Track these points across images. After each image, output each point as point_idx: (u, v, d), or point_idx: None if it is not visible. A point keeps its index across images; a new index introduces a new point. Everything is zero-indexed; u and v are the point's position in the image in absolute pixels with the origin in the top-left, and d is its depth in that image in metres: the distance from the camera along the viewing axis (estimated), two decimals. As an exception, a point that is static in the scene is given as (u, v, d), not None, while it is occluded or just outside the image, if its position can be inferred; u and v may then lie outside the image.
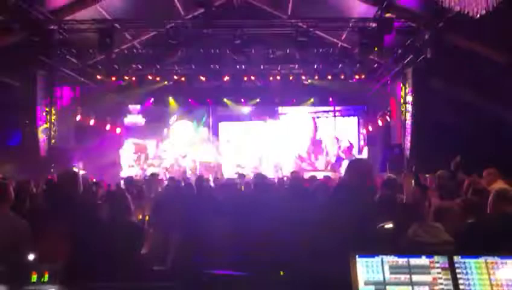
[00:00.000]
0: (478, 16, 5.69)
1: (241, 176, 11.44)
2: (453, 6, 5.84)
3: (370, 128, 16.09)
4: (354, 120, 17.12)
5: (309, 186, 5.70)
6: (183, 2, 12.17)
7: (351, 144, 16.66)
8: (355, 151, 16.59)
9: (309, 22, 11.83)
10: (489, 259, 1.96)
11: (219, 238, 3.41)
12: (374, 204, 3.14)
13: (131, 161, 16.58)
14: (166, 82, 14.81)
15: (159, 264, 3.68)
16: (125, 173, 15.11)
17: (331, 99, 16.62)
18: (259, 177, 5.60)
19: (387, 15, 10.05)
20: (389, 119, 14.57)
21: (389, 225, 2.74)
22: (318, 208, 3.08)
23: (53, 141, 12.60)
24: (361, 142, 16.73)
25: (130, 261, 3.54)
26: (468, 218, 3.23)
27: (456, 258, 1.95)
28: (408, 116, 12.66)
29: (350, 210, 2.53)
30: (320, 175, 10.41)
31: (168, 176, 13.81)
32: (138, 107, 16.95)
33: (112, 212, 3.62)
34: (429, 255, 1.95)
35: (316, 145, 16.68)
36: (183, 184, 7.41)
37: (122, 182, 9.37)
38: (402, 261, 1.96)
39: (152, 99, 16.46)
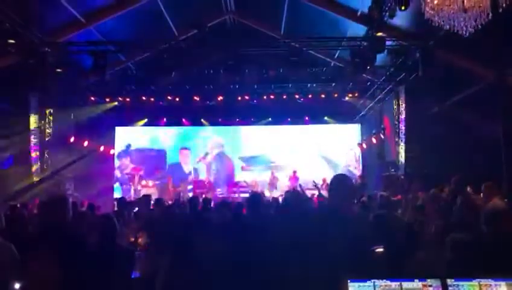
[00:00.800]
0: (467, 34, 5.75)
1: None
2: (442, 25, 5.88)
3: (364, 146, 16.12)
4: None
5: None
6: (176, 23, 12.29)
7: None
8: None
9: (302, 41, 11.95)
10: (483, 281, 1.92)
11: (211, 264, 3.34)
12: (358, 223, 2.97)
13: (125, 182, 16.48)
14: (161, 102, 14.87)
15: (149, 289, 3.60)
16: (118, 194, 15.00)
17: (326, 118, 16.66)
18: (254, 198, 5.46)
19: (379, 34, 10.15)
20: (383, 137, 14.62)
21: (380, 249, 2.69)
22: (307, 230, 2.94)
23: (45, 164, 12.52)
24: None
25: (120, 286, 3.47)
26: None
27: (449, 281, 1.91)
28: (401, 133, 12.71)
29: (332, 232, 2.46)
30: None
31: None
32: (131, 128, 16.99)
33: (101, 237, 3.56)
34: (422, 278, 1.91)
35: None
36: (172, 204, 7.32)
37: (115, 203, 9.27)
38: (395, 285, 1.92)
39: (146, 120, 16.46)
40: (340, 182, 3.07)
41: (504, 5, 4.94)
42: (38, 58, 10.39)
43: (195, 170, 17.01)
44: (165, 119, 16.64)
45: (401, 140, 12.71)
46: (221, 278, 3.25)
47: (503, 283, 1.91)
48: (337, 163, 16.63)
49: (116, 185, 16.39)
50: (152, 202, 7.66)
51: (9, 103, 11.32)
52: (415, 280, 1.92)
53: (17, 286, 3.35)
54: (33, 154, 11.89)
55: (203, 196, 11.90)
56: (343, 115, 16.30)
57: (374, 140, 15.15)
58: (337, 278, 1.89)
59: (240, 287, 3.25)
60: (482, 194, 5.52)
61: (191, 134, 17.39)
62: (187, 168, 17.07)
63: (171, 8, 11.56)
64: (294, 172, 15.69)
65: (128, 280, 3.58)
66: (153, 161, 16.90)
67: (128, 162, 16.81)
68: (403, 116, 12.68)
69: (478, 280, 1.92)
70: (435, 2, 5.67)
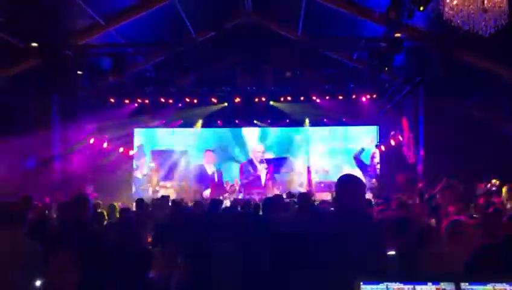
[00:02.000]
0: (487, 34, 5.68)
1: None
2: (461, 26, 5.82)
3: (383, 148, 15.97)
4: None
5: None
6: (194, 25, 12.40)
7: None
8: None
9: (319, 42, 11.92)
10: (498, 286, 1.90)
11: (225, 265, 3.38)
12: (369, 226, 2.85)
13: (144, 183, 16.66)
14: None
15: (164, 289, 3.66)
16: (137, 195, 15.17)
17: (344, 119, 16.54)
18: (270, 200, 5.45)
19: (397, 35, 10.07)
20: (401, 139, 14.46)
21: (392, 252, 2.68)
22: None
23: (67, 165, 12.75)
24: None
25: (137, 286, 3.53)
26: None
27: (463, 285, 1.89)
28: (420, 135, 12.57)
29: (341, 233, 2.40)
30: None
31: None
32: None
33: (120, 237, 3.63)
34: (435, 281, 1.91)
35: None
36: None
37: (134, 204, 9.39)
38: (407, 288, 1.92)
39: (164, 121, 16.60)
40: (347, 182, 2.95)
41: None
42: (60, 61, 10.62)
43: (219, 172, 17.04)
44: (181, 121, 16.67)
45: (420, 142, 12.56)
46: (233, 276, 3.28)
47: (518, 288, 1.89)
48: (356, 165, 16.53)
49: (135, 185, 16.61)
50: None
51: (32, 104, 11.56)
52: (428, 283, 1.91)
53: (38, 283, 3.44)
54: (55, 155, 12.13)
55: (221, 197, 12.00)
56: (361, 117, 16.17)
57: (392, 142, 14.99)
58: (349, 281, 1.90)
59: (250, 287, 3.27)
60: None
61: (220, 136, 17.38)
62: (210, 170, 17.12)
63: (189, 10, 11.66)
64: (308, 168, 15.68)
65: (144, 280, 3.64)
66: (173, 162, 17.02)
67: (147, 163, 17.00)
68: (421, 117, 12.54)
69: (493, 284, 1.90)
70: (454, 2, 5.62)
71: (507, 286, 1.90)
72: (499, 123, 9.16)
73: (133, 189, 16.38)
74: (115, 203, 7.92)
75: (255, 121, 16.51)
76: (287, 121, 16.51)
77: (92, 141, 14.19)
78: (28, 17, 9.35)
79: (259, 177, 16.63)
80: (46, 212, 7.18)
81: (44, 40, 10.13)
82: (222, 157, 17.08)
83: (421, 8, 7.74)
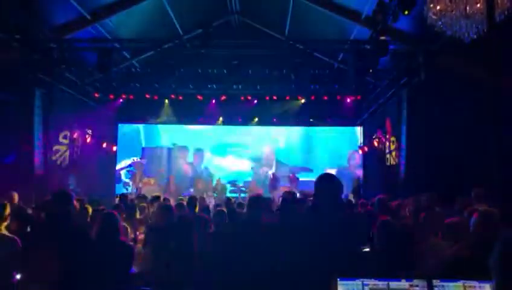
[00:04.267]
0: (469, 40, 5.80)
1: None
2: (444, 31, 5.93)
3: (366, 149, 16.14)
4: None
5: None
6: (181, 22, 12.37)
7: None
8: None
9: (306, 43, 12.00)
10: (468, 283, 1.97)
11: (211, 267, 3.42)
12: (345, 224, 2.89)
13: (126, 179, 16.60)
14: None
15: (147, 285, 3.68)
16: (120, 191, 15.08)
17: (328, 120, 16.68)
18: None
19: (382, 38, 10.19)
20: (384, 140, 14.63)
21: (366, 249, 2.74)
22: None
23: (49, 159, 12.58)
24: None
25: (119, 281, 3.54)
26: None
27: (435, 282, 1.97)
28: (403, 137, 12.72)
29: (318, 232, 2.44)
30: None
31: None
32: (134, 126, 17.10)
33: (102, 232, 3.63)
34: (409, 278, 1.97)
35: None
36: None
37: (116, 200, 9.36)
38: (382, 284, 1.97)
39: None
40: (323, 181, 2.99)
41: (501, 16, 4.99)
42: (44, 54, 10.49)
43: (206, 169, 17.06)
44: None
45: (403, 144, 12.72)
46: (219, 273, 3.31)
47: (487, 285, 1.97)
48: (340, 165, 16.72)
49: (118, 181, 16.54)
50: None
51: (15, 98, 11.38)
52: (402, 280, 1.98)
53: (18, 276, 3.43)
54: (36, 150, 11.95)
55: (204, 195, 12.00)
56: (345, 117, 16.33)
57: (375, 143, 15.16)
58: (326, 277, 1.95)
59: (231, 282, 3.31)
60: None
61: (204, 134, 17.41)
62: (199, 168, 17.14)
63: (177, 7, 11.65)
64: (293, 173, 15.79)
65: (127, 275, 3.66)
66: (158, 158, 16.99)
67: (132, 160, 16.96)
68: (404, 120, 12.68)
69: (463, 281, 1.98)
70: (438, 7, 5.73)
71: (476, 284, 1.98)
72: (482, 128, 9.31)
73: (116, 184, 16.31)
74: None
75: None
76: (274, 120, 16.63)
77: (75, 135, 14.03)
78: (12, 9, 9.21)
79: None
80: (28, 208, 7.10)
81: (28, 33, 9.99)
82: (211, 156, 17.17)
83: (406, 12, 7.86)
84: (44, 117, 12.37)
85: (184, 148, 17.23)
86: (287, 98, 14.74)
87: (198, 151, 17.23)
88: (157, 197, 8.86)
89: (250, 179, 16.96)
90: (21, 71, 10.85)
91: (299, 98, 14.74)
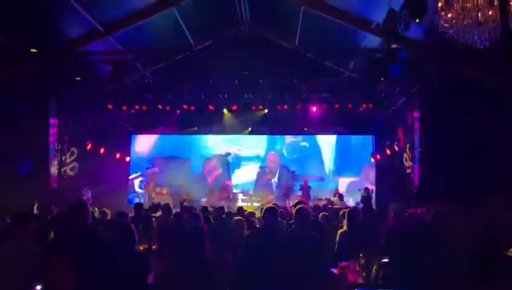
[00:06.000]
0: (482, 47, 5.77)
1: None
2: (456, 38, 5.91)
3: (378, 157, 16.06)
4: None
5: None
6: (193, 33, 12.49)
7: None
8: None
9: (316, 52, 12.03)
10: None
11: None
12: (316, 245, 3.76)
13: (139, 189, 16.71)
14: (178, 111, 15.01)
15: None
16: (133, 200, 15.18)
17: (340, 128, 16.65)
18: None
19: (393, 46, 10.18)
20: (397, 149, 14.55)
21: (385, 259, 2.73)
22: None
23: (63, 170, 12.75)
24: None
25: (135, 291, 3.56)
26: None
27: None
28: (416, 145, 12.64)
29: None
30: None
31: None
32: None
33: (118, 243, 3.66)
34: None
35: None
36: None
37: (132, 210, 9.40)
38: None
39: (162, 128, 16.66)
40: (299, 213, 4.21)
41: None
42: (58, 66, 10.67)
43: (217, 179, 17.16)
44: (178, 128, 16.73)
45: (416, 152, 12.63)
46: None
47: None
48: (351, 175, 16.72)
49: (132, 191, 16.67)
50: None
51: (30, 108, 11.56)
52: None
53: (38, 287, 3.47)
54: (51, 161, 12.11)
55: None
56: (357, 126, 16.29)
57: (387, 151, 15.09)
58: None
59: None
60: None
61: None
62: (210, 178, 17.24)
63: (188, 19, 11.76)
64: (306, 181, 15.74)
65: (143, 286, 3.67)
66: (173, 169, 17.09)
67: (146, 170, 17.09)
68: (417, 128, 12.62)
69: None
70: (449, 15, 5.72)
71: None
72: (496, 135, 9.22)
73: (129, 195, 16.43)
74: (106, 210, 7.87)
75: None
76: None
77: (89, 146, 14.19)
78: (28, 23, 9.39)
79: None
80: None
81: (43, 46, 10.17)
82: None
83: (417, 20, 7.84)
84: (59, 128, 12.55)
85: (195, 157, 17.29)
86: (297, 106, 14.71)
87: (209, 161, 17.29)
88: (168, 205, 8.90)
89: (260, 187, 16.98)
90: (36, 83, 11.03)
91: (310, 106, 14.69)
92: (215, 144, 17.46)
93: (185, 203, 11.79)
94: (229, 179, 17.24)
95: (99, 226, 5.35)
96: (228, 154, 17.24)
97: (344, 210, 6.39)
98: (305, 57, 12.49)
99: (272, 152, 17.37)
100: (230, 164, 17.34)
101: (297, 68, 12.86)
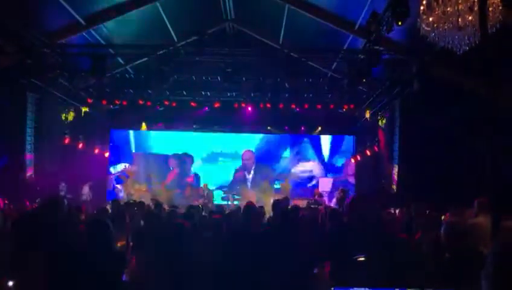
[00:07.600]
0: (461, 51, 5.85)
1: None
2: (437, 42, 5.98)
3: (359, 158, 16.19)
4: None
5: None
6: (176, 29, 12.38)
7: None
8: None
9: (300, 51, 12.05)
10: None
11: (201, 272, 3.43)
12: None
13: (118, 185, 16.49)
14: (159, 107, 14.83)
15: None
16: (111, 197, 14.98)
17: (320, 128, 16.72)
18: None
19: (376, 47, 10.26)
20: (377, 150, 14.70)
21: (361, 258, 2.74)
22: None
23: (39, 165, 12.49)
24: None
25: (109, 288, 3.50)
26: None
27: (428, 292, 1.97)
28: (395, 147, 12.79)
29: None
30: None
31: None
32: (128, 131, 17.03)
33: (93, 240, 3.59)
34: (402, 287, 1.97)
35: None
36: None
37: (108, 206, 9.28)
38: (376, 294, 1.98)
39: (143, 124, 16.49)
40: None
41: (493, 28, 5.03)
42: (37, 59, 10.43)
43: (196, 176, 17.01)
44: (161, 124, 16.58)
45: (395, 154, 12.79)
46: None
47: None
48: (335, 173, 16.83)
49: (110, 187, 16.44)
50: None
51: (7, 103, 11.31)
52: (396, 289, 1.98)
53: (10, 283, 3.39)
54: (28, 155, 11.87)
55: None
56: (339, 126, 16.40)
57: (368, 152, 15.22)
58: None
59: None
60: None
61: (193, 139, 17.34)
62: (189, 175, 17.10)
63: (172, 14, 11.65)
64: (286, 180, 15.79)
65: (119, 283, 3.61)
66: (148, 164, 16.89)
67: (125, 166, 16.85)
68: (397, 129, 12.77)
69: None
70: (431, 19, 5.79)
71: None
72: (475, 138, 9.37)
73: (107, 191, 16.22)
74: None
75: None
76: (269, 128, 16.65)
77: (67, 141, 13.95)
78: (6, 14, 9.16)
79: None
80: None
81: (21, 38, 9.94)
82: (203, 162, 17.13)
83: (400, 23, 7.92)
84: (37, 122, 12.30)
85: (175, 154, 17.13)
86: (281, 106, 14.73)
87: (188, 157, 17.14)
88: (143, 203, 8.81)
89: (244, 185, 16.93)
90: (14, 76, 10.79)
91: (293, 106, 14.73)
92: (195, 141, 17.29)
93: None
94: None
95: (75, 222, 5.26)
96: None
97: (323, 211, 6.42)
98: (289, 56, 12.49)
99: (247, 149, 17.29)
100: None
101: (281, 67, 12.87)
